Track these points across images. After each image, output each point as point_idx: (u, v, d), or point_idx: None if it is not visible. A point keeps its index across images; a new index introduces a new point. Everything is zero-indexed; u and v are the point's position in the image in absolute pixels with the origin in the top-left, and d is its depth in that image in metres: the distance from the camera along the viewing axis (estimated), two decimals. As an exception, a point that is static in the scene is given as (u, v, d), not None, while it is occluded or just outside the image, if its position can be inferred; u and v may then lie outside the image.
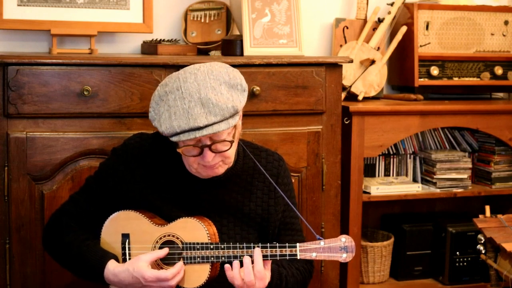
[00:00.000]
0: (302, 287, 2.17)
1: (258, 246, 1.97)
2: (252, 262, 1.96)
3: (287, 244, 1.96)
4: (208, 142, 1.94)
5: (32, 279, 2.43)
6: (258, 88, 2.59)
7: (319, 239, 1.96)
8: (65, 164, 2.44)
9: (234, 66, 2.10)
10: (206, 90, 1.91)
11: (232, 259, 1.97)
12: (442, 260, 3.25)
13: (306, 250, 1.95)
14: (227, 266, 1.95)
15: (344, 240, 1.95)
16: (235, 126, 2.00)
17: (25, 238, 2.41)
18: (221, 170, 2.02)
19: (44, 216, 2.41)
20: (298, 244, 1.96)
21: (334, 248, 1.95)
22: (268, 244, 1.97)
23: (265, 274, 1.96)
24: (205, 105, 1.89)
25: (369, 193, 3.07)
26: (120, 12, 2.89)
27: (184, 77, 1.95)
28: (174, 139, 1.92)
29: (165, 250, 2.00)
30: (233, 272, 1.94)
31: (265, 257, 1.96)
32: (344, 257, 1.95)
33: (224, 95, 1.92)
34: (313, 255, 1.95)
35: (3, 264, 2.41)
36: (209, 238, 1.99)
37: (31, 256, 2.42)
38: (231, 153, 2.01)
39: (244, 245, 1.98)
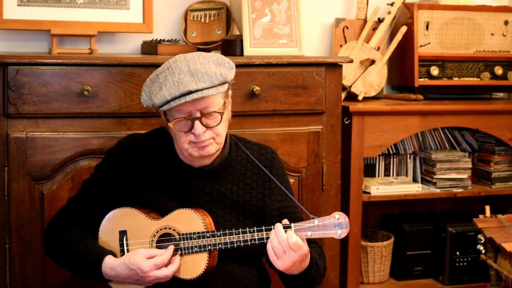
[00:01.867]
0: (324, 271, 2.18)
1: (254, 230, 1.99)
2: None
3: (281, 225, 1.97)
4: (198, 115, 1.98)
5: (32, 279, 2.43)
6: (258, 88, 2.59)
7: (313, 218, 1.97)
8: (65, 164, 2.44)
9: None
10: (195, 64, 1.98)
11: (229, 246, 1.99)
12: (442, 260, 3.25)
13: (301, 230, 1.96)
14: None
15: (338, 216, 1.96)
16: (224, 104, 2.03)
17: (25, 238, 2.41)
18: (212, 149, 2.04)
19: (44, 216, 2.41)
20: (292, 224, 1.97)
21: (328, 226, 1.96)
22: (264, 227, 1.99)
23: (301, 244, 1.94)
24: (194, 74, 1.96)
25: (369, 193, 3.08)
26: (120, 12, 2.89)
27: (173, 59, 2.04)
28: (165, 107, 1.97)
29: (166, 253, 2.00)
30: (272, 238, 1.94)
31: (261, 239, 1.99)
32: (339, 233, 1.95)
33: (212, 68, 1.99)
34: (308, 234, 1.96)
35: (3, 264, 2.41)
36: (205, 227, 2.01)
37: (31, 256, 2.42)
38: (221, 131, 2.04)
39: (240, 230, 2.00)
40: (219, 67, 2.01)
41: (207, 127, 2.00)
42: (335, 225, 1.96)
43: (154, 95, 1.98)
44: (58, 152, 2.42)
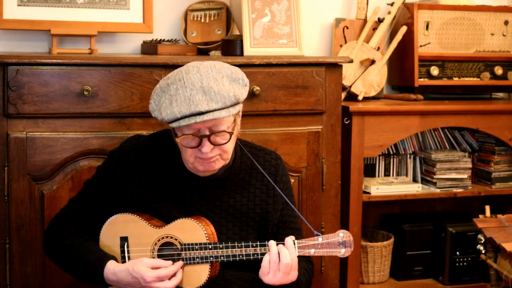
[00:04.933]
0: (307, 286, 2.17)
1: (257, 245, 1.97)
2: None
3: (283, 243, 1.96)
4: (207, 133, 1.95)
5: (32, 279, 2.43)
6: (258, 88, 2.59)
7: (317, 235, 1.97)
8: (65, 164, 2.44)
9: (234, 66, 2.10)
10: (208, 80, 1.93)
11: (231, 258, 1.97)
12: (442, 260, 3.25)
13: (304, 247, 1.95)
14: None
15: (342, 235, 1.95)
16: (234, 121, 2.01)
17: (25, 238, 2.41)
18: (218, 165, 2.01)
19: (44, 216, 2.41)
20: (296, 241, 1.96)
21: (332, 244, 1.95)
22: (267, 242, 1.97)
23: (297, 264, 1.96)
24: (207, 93, 1.91)
25: (369, 193, 3.07)
26: (120, 12, 2.89)
27: (186, 70, 1.97)
28: (174, 125, 1.93)
29: (169, 263, 2.00)
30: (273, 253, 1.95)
31: (263, 255, 1.97)
32: (342, 252, 1.95)
33: (226, 86, 1.94)
34: (312, 252, 1.96)
35: (3, 264, 2.41)
36: (207, 238, 2.00)
37: (31, 256, 2.42)
38: (229, 148, 2.01)
39: (243, 243, 1.98)
40: (232, 84, 1.96)
41: (215, 144, 1.97)
42: (339, 244, 1.95)
43: (164, 108, 1.93)
44: (58, 152, 2.42)
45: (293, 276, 1.96)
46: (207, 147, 1.95)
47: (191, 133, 1.95)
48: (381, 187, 3.10)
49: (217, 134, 1.95)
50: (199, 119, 1.89)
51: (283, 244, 1.96)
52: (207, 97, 1.90)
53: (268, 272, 1.95)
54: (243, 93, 1.98)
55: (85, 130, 2.46)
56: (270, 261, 1.94)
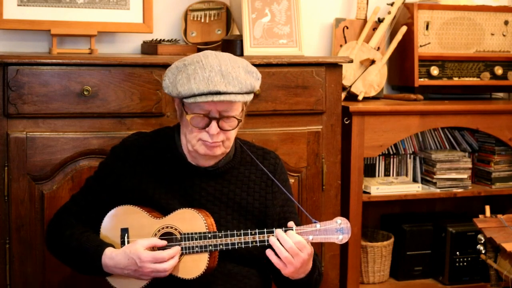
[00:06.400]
0: (321, 277, 2.20)
1: (256, 232, 1.99)
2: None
3: (283, 228, 1.98)
4: (217, 115, 1.99)
5: (32, 279, 2.43)
6: (258, 88, 2.59)
7: (315, 222, 1.98)
8: (65, 164, 2.44)
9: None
10: (227, 66, 1.99)
11: (229, 247, 1.99)
12: (442, 260, 3.25)
13: (302, 234, 1.97)
14: (269, 251, 1.97)
15: (340, 221, 1.97)
16: (242, 110, 2.06)
17: (25, 238, 2.41)
18: (219, 151, 2.05)
19: (44, 216, 2.41)
20: (294, 228, 1.98)
21: (330, 230, 1.97)
22: (265, 230, 2.00)
23: (305, 243, 1.96)
24: (225, 76, 1.97)
25: (369, 193, 3.07)
26: (120, 12, 2.90)
27: (204, 54, 2.04)
28: (189, 100, 1.97)
29: (164, 242, 2.02)
30: (277, 246, 1.95)
31: (262, 242, 1.99)
32: (340, 238, 1.97)
33: (242, 75, 2.00)
34: (310, 238, 1.97)
35: (3, 264, 2.41)
36: (206, 228, 2.02)
37: (31, 256, 2.42)
38: (233, 136, 2.06)
39: (242, 232, 2.00)
40: (247, 75, 2.02)
41: (222, 129, 2.01)
42: (336, 230, 1.97)
43: (181, 84, 1.98)
44: (58, 152, 2.42)
45: (305, 254, 1.96)
46: (214, 129, 1.99)
47: (202, 113, 1.99)
48: (381, 187, 3.10)
49: (226, 119, 2.01)
50: (216, 98, 1.94)
51: (282, 230, 1.98)
52: (225, 80, 1.96)
53: (283, 264, 1.96)
54: (256, 85, 2.05)
55: (85, 130, 2.46)
56: (279, 252, 1.95)
